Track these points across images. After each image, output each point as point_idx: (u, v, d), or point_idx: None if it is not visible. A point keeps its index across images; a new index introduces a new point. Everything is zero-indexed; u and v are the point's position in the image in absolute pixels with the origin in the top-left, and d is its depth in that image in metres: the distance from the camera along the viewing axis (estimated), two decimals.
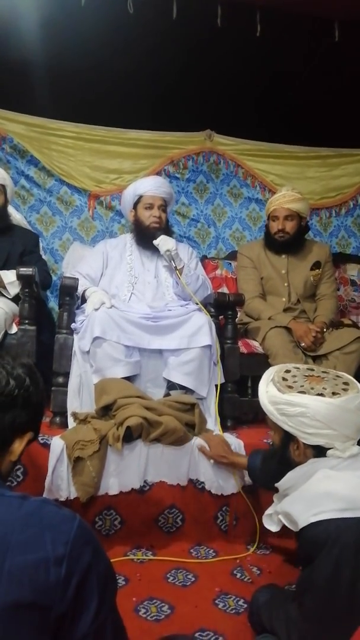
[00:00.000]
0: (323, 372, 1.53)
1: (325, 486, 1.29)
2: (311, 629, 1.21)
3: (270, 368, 1.57)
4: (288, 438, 1.43)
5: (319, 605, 1.20)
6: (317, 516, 1.23)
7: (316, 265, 3.00)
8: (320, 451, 1.38)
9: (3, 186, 2.78)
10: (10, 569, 0.74)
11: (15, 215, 3.00)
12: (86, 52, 3.15)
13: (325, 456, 1.37)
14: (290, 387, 1.42)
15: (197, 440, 2.14)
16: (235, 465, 2.03)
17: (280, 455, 1.46)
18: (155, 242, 2.61)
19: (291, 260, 3.00)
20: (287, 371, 1.51)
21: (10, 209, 2.95)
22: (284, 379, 1.46)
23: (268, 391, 1.46)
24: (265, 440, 2.26)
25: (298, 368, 1.53)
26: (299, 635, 1.23)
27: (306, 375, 1.49)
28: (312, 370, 1.54)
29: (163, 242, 2.58)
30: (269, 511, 1.53)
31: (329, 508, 1.23)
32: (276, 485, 1.47)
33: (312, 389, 1.41)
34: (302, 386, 1.43)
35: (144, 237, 2.73)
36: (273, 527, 1.48)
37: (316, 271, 2.99)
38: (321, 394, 1.38)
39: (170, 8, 2.80)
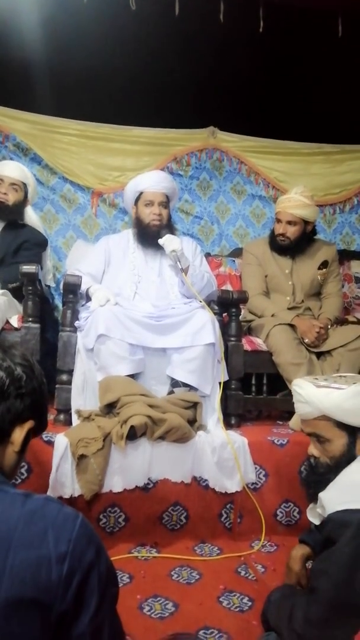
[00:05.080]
0: (337, 376, 1.55)
1: (358, 477, 1.30)
2: (320, 613, 1.17)
3: (298, 385, 1.51)
4: (354, 436, 1.41)
5: (333, 590, 1.17)
6: (344, 505, 1.23)
7: (324, 264, 2.98)
8: None
9: (24, 184, 2.84)
10: (13, 565, 0.74)
11: (32, 216, 2.98)
12: (89, 49, 3.14)
13: None
14: (345, 383, 1.44)
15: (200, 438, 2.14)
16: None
17: (347, 460, 1.39)
18: (160, 241, 2.59)
19: (297, 259, 2.98)
20: (316, 379, 1.51)
21: (29, 211, 2.96)
22: (326, 384, 1.46)
23: (329, 394, 1.41)
24: (269, 438, 2.26)
25: (317, 378, 1.55)
26: (304, 620, 1.19)
27: (332, 378, 1.52)
28: (325, 377, 1.57)
29: (168, 242, 2.56)
30: (312, 505, 1.51)
31: (357, 499, 1.23)
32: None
33: (354, 383, 1.44)
34: (346, 381, 1.44)
35: (146, 235, 2.71)
36: (315, 521, 1.46)
37: (323, 270, 2.98)
38: None
39: (173, 4, 2.80)
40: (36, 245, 2.83)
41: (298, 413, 1.53)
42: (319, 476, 1.44)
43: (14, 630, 0.72)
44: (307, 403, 1.45)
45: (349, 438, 1.41)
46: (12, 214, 2.81)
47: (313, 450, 1.47)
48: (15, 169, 2.85)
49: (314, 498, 1.41)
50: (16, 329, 2.39)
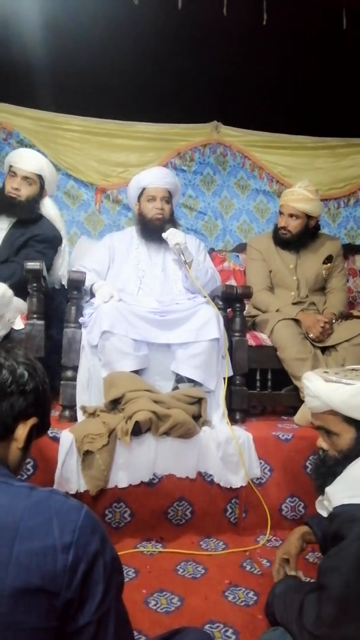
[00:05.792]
0: (350, 369, 1.53)
1: None
2: (332, 611, 1.16)
3: (307, 378, 1.50)
4: None
5: (344, 586, 1.15)
6: (352, 499, 1.22)
7: (328, 259, 2.98)
8: None
9: (40, 176, 2.71)
10: (19, 555, 0.75)
11: (50, 209, 2.80)
12: (91, 44, 3.14)
13: None
14: (355, 377, 1.42)
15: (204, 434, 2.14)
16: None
17: (355, 454, 1.38)
18: (164, 235, 2.59)
19: (301, 254, 2.98)
20: (326, 372, 1.49)
21: (47, 202, 2.80)
22: (336, 379, 1.44)
23: (337, 389, 1.40)
24: (273, 433, 2.26)
25: (327, 371, 1.52)
26: (315, 618, 1.17)
27: (343, 371, 1.49)
28: (336, 370, 1.55)
29: (172, 236, 2.56)
30: (321, 497, 1.51)
31: None
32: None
33: None
34: (357, 376, 1.42)
35: (148, 230, 2.71)
36: (323, 513, 1.45)
37: (328, 265, 2.98)
38: None
39: None
40: (43, 241, 2.65)
41: (307, 406, 1.53)
42: (327, 469, 1.44)
43: (20, 618, 0.73)
44: (315, 397, 1.44)
45: (357, 433, 1.40)
46: (24, 211, 2.65)
47: (322, 443, 1.47)
48: (30, 161, 2.68)
49: (321, 490, 1.41)
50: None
